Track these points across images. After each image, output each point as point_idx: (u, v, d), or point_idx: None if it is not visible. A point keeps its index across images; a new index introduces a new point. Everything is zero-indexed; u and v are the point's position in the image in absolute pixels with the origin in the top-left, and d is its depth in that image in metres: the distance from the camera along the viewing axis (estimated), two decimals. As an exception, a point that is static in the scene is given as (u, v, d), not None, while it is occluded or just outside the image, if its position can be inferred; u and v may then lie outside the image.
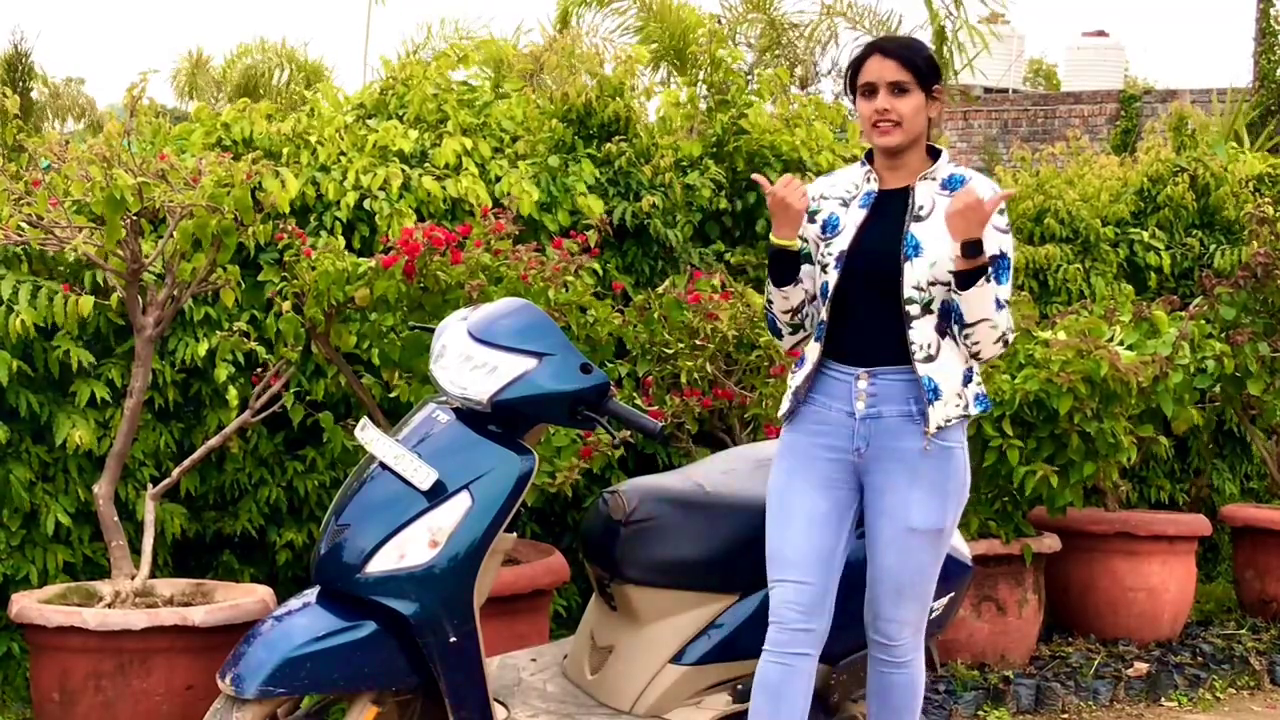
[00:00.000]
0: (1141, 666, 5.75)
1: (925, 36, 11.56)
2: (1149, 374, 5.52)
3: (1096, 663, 5.76)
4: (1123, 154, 10.75)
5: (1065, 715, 5.43)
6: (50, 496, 4.96)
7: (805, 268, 3.55)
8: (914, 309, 3.43)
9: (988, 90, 17.62)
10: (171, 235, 4.58)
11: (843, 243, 3.49)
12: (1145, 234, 7.61)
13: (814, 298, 3.57)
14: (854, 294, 3.48)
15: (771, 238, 3.48)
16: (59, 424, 4.89)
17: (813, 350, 3.56)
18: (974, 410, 3.52)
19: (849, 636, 3.80)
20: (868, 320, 3.48)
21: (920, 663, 3.66)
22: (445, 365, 3.55)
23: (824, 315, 3.52)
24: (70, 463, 5.00)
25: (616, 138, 6.15)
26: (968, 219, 3.28)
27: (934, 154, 3.56)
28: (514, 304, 3.70)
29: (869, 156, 3.60)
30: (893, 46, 3.53)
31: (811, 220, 3.55)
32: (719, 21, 12.36)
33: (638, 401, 5.18)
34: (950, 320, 3.44)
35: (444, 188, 5.50)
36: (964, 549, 4.17)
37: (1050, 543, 5.82)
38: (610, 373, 5.41)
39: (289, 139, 5.63)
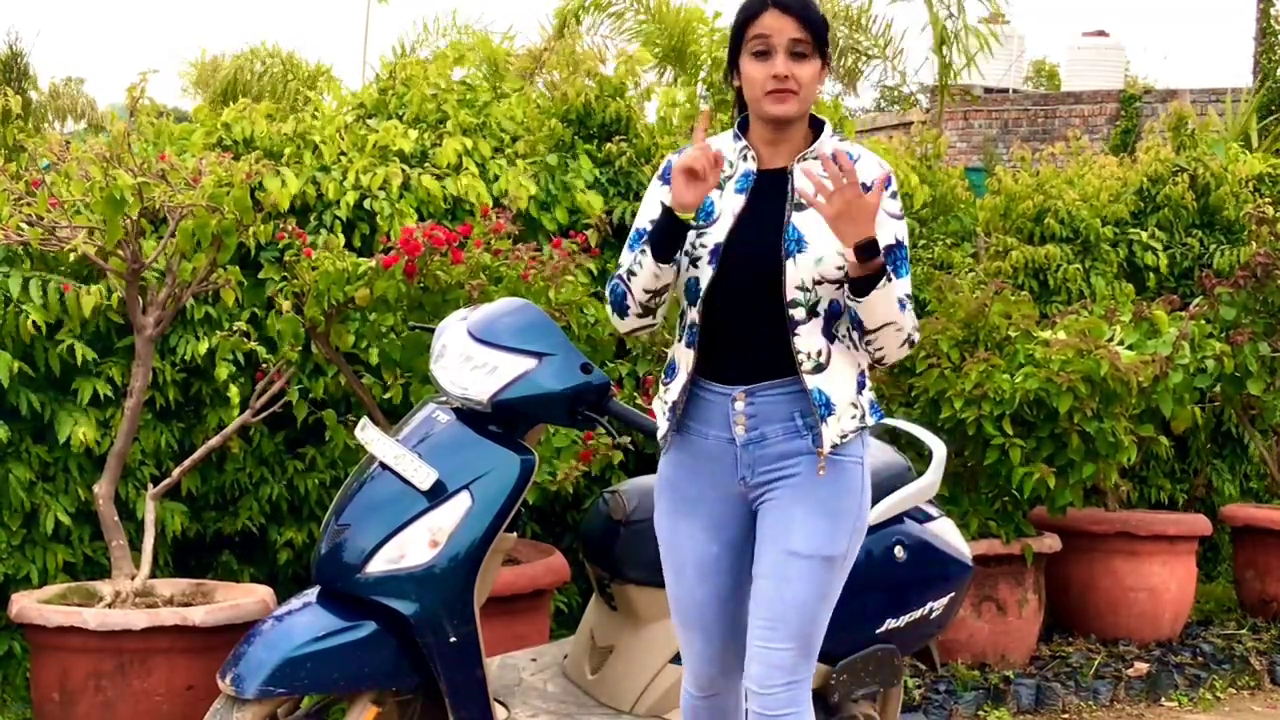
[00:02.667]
0: (1141, 666, 5.75)
1: (926, 37, 11.57)
2: (1149, 374, 5.52)
3: (1097, 663, 5.76)
4: (1122, 154, 10.75)
5: (1065, 715, 5.43)
6: (50, 496, 4.95)
7: None
8: (799, 312, 2.99)
9: (988, 90, 17.60)
10: (172, 235, 4.58)
11: (719, 234, 3.02)
12: (1145, 234, 7.61)
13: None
14: (730, 294, 3.03)
15: (669, 202, 2.97)
16: (61, 422, 4.88)
17: (685, 356, 3.10)
18: (870, 420, 3.09)
19: (849, 636, 3.80)
20: (747, 324, 3.03)
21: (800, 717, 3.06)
22: (445, 365, 3.55)
23: (695, 316, 3.06)
24: (70, 462, 5.00)
25: (617, 138, 6.15)
26: (855, 218, 2.81)
27: (816, 126, 3.09)
28: (514, 304, 3.70)
29: (743, 127, 3.12)
30: (791, 1, 2.99)
31: None
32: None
33: (638, 401, 5.18)
34: (837, 322, 3.03)
35: (444, 187, 5.50)
36: (964, 549, 4.17)
37: (1050, 543, 5.82)
38: (610, 373, 5.41)
39: (289, 139, 5.63)
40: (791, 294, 2.98)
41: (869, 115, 20.51)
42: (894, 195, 3.04)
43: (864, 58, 13.43)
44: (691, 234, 3.05)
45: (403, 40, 12.01)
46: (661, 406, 3.18)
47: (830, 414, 3.01)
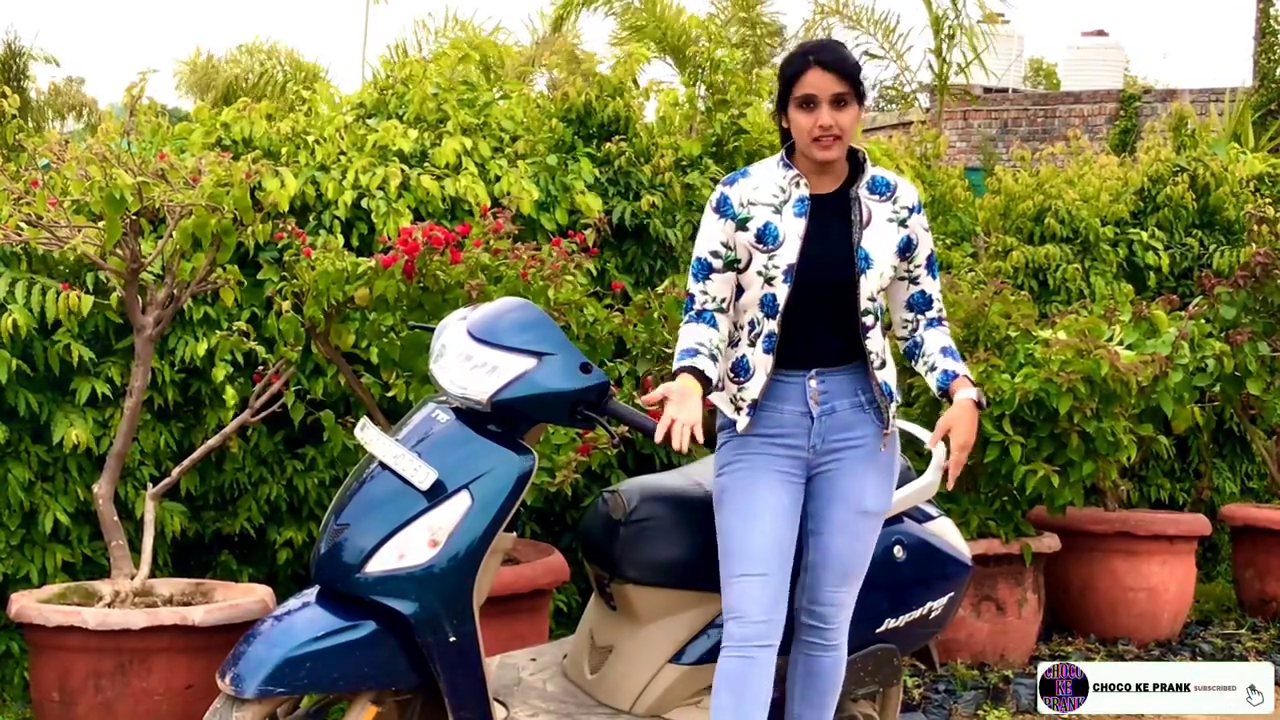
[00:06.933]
0: (1141, 666, 5.75)
1: (925, 37, 11.57)
2: (1149, 374, 5.52)
3: (1096, 662, 5.75)
4: (1121, 153, 10.75)
5: (1065, 715, 5.42)
6: (49, 496, 4.95)
7: (723, 276, 3.48)
8: (869, 319, 3.47)
9: (988, 90, 17.60)
10: (171, 235, 4.58)
11: (789, 255, 3.42)
12: (1145, 234, 7.61)
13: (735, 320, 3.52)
14: (807, 306, 3.44)
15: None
16: (57, 422, 4.88)
17: (762, 360, 3.47)
18: (898, 397, 3.62)
19: (848, 636, 3.79)
20: (823, 331, 3.47)
21: (845, 644, 3.68)
22: (445, 365, 3.54)
23: (774, 327, 3.44)
24: (69, 462, 5.00)
25: (616, 137, 6.15)
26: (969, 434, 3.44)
27: (851, 153, 3.50)
28: (514, 303, 3.69)
29: (789, 153, 3.51)
30: (831, 59, 3.40)
31: (743, 229, 3.45)
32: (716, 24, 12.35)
33: (637, 401, 5.17)
34: (882, 320, 3.56)
35: (443, 187, 5.50)
36: (964, 549, 4.17)
37: (1050, 542, 5.82)
38: (610, 372, 5.41)
39: (288, 139, 5.63)
40: (865, 304, 3.46)
41: (869, 115, 20.51)
42: (918, 212, 3.54)
43: (867, 57, 13.44)
44: (763, 257, 3.44)
45: (402, 41, 12.03)
46: (730, 399, 3.53)
47: (892, 400, 3.54)
